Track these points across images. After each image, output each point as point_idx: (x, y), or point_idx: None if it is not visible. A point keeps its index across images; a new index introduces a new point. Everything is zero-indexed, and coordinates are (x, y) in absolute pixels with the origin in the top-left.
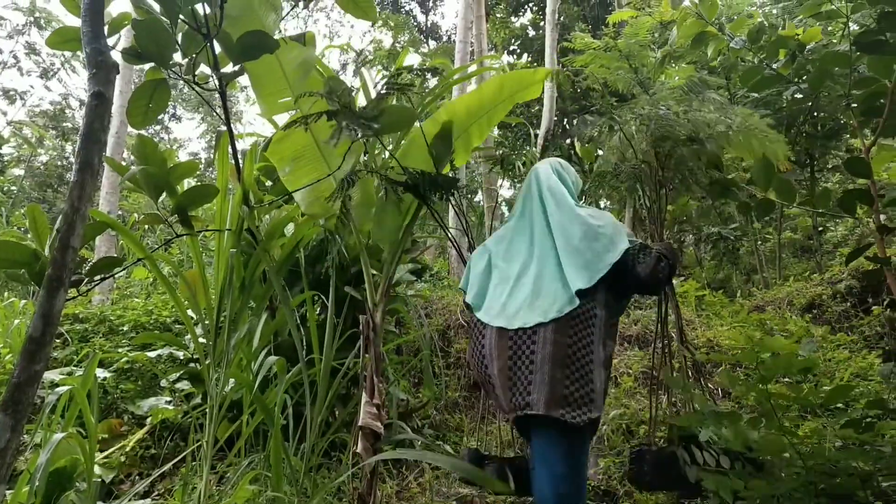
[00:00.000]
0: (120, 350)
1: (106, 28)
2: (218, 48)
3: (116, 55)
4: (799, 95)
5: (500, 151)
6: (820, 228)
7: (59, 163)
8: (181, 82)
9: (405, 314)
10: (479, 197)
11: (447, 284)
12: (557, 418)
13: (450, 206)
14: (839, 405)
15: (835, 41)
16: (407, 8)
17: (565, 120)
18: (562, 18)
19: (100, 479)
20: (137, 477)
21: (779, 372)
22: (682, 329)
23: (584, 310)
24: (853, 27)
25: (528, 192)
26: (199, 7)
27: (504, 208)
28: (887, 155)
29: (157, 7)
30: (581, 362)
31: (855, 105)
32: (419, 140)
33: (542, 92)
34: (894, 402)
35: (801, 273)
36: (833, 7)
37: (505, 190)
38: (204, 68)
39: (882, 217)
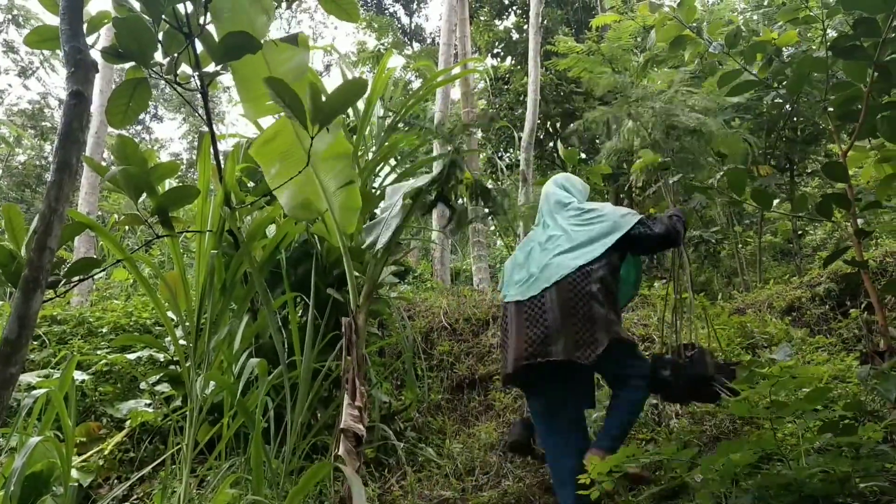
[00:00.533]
0: (99, 352)
1: (85, 26)
2: (201, 48)
3: (96, 54)
4: (779, 100)
5: (485, 154)
6: (799, 232)
7: (37, 162)
8: (163, 82)
9: (388, 316)
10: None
11: (430, 287)
12: (573, 360)
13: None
14: (818, 407)
15: (814, 47)
16: (391, 10)
17: (548, 123)
18: (545, 22)
19: (77, 484)
20: (116, 481)
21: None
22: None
23: (585, 273)
24: (831, 33)
25: (541, 207)
26: (181, 6)
27: None
28: (861, 155)
29: (137, 5)
30: (584, 313)
31: (832, 109)
32: None
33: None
34: (872, 404)
35: (780, 276)
36: (810, 13)
37: None
38: (186, 68)
39: (859, 221)
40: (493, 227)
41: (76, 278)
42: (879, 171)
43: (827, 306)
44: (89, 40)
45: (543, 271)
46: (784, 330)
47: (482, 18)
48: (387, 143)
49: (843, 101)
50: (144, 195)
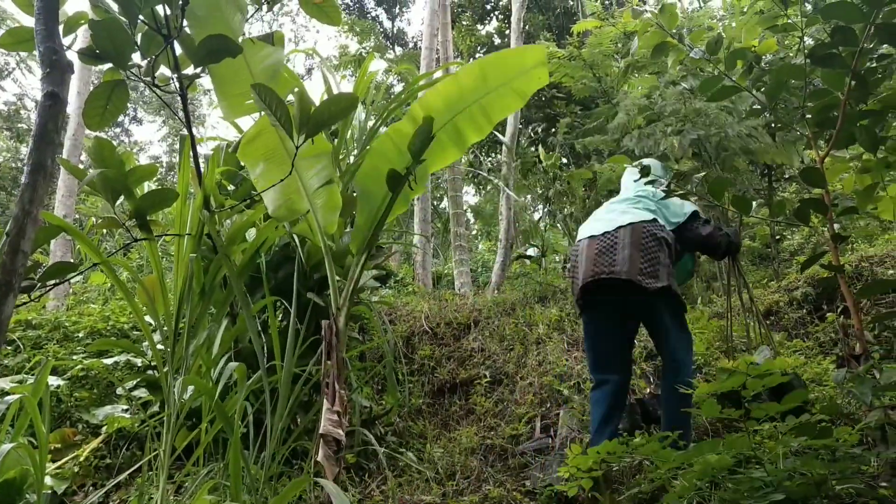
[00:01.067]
0: (75, 357)
1: (61, 27)
2: (180, 49)
3: (73, 55)
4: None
5: (467, 158)
6: (777, 237)
7: (13, 165)
8: (143, 84)
9: (369, 320)
10: (444, 203)
11: (412, 291)
12: (635, 282)
13: (414, 212)
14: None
15: (792, 55)
16: (373, 14)
17: (530, 127)
18: (527, 27)
19: (51, 491)
20: (91, 488)
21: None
22: (753, 299)
23: (657, 227)
24: (808, 41)
25: (625, 180)
26: (160, 8)
27: (469, 215)
28: (840, 166)
29: (115, 6)
30: (651, 253)
31: (809, 116)
32: (386, 145)
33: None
34: (847, 407)
35: (759, 280)
36: (789, 21)
37: (470, 196)
38: (164, 70)
39: (836, 226)
40: (475, 232)
41: (51, 282)
42: (860, 181)
43: (804, 310)
44: (66, 41)
45: (621, 216)
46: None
47: (464, 23)
48: (368, 147)
49: (820, 109)
50: (122, 198)
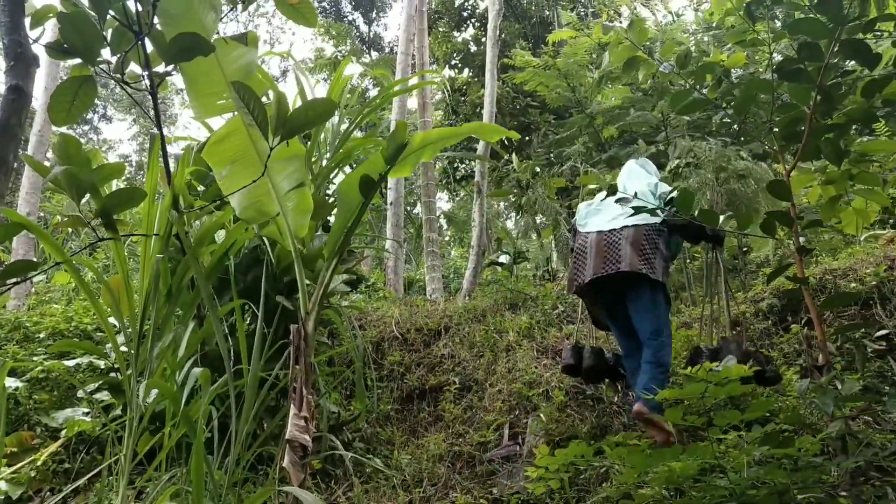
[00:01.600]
0: (35, 358)
1: (28, 20)
2: (151, 47)
3: (40, 49)
4: (727, 120)
5: (441, 165)
6: (745, 249)
7: None
8: (113, 81)
9: (339, 325)
10: (417, 209)
11: (383, 296)
12: (639, 271)
13: (387, 216)
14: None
15: (761, 70)
16: (350, 18)
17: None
18: (503, 35)
19: (6, 496)
20: (49, 493)
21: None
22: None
23: (655, 229)
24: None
25: (621, 176)
26: (131, 3)
27: (443, 221)
28: (805, 178)
29: (84, 0)
30: (648, 250)
31: (777, 130)
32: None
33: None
34: (810, 417)
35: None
36: (757, 37)
37: (443, 202)
38: (135, 67)
39: (801, 239)
40: (448, 238)
41: (12, 280)
42: (825, 193)
43: (770, 321)
44: (33, 34)
45: (623, 217)
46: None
47: (441, 30)
48: (341, 150)
49: (787, 123)
50: (88, 196)
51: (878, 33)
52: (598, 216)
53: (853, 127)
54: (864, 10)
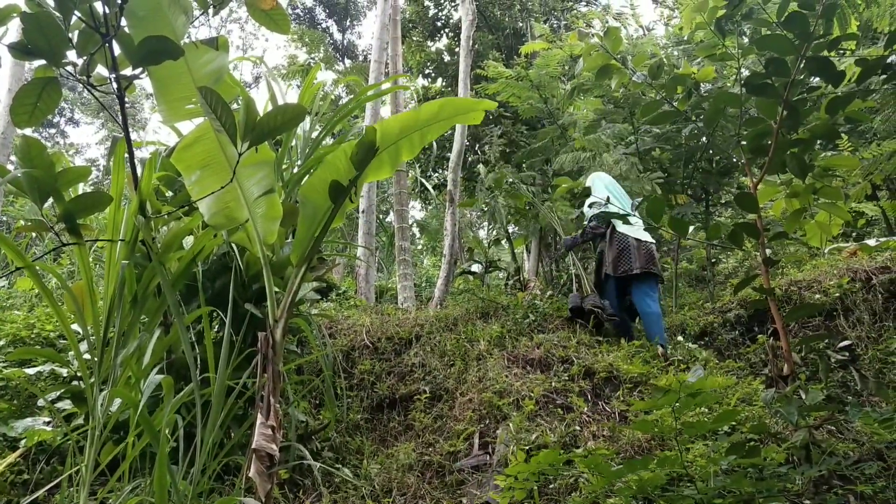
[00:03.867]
0: None
1: None
2: (119, 49)
3: (3, 50)
4: (696, 132)
5: (413, 174)
6: (713, 260)
7: None
8: (80, 84)
9: (308, 333)
10: (390, 217)
11: (354, 304)
12: (649, 272)
13: (359, 224)
14: (725, 428)
15: (729, 84)
16: (324, 25)
17: (476, 145)
18: (476, 46)
19: None
20: None
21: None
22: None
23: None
24: (745, 72)
25: (611, 189)
26: (98, 4)
27: (415, 229)
28: (771, 191)
29: (49, 0)
30: (655, 259)
31: (744, 143)
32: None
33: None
34: (775, 427)
35: (695, 302)
36: (727, 51)
37: (416, 211)
38: (102, 69)
39: (767, 251)
40: (420, 246)
41: None
42: (789, 205)
43: (737, 331)
44: None
45: (649, 234)
46: (702, 356)
47: (415, 39)
48: (312, 157)
49: (754, 136)
50: (51, 200)
51: (842, 51)
52: (636, 228)
53: (817, 142)
54: (828, 29)
